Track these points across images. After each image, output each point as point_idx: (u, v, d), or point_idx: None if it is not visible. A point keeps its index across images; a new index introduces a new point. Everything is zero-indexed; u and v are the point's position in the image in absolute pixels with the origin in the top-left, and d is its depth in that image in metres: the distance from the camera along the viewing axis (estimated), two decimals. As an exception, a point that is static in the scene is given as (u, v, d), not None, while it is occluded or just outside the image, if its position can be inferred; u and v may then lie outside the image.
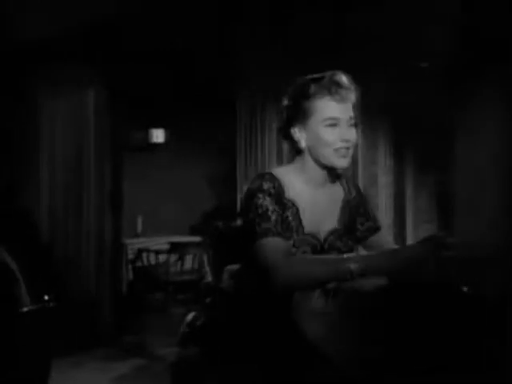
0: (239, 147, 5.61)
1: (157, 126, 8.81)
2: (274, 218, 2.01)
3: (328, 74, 2.12)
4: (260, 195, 2.05)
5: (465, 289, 1.80)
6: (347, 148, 2.10)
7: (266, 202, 2.03)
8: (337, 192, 2.27)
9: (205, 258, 7.74)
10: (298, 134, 2.16)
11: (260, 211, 2.02)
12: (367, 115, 4.56)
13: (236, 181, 6.03)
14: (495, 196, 3.83)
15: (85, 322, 6.25)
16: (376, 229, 2.34)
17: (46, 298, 4.45)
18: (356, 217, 2.31)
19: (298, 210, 2.13)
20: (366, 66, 4.52)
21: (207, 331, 2.24)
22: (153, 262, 7.65)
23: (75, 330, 6.26)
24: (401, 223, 4.42)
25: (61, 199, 6.41)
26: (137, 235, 8.34)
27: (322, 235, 2.16)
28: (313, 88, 2.10)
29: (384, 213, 4.50)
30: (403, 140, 4.44)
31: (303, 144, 2.15)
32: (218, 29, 5.54)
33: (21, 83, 6.10)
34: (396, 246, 2.32)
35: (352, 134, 2.11)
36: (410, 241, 4.30)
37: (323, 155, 2.12)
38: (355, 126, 2.13)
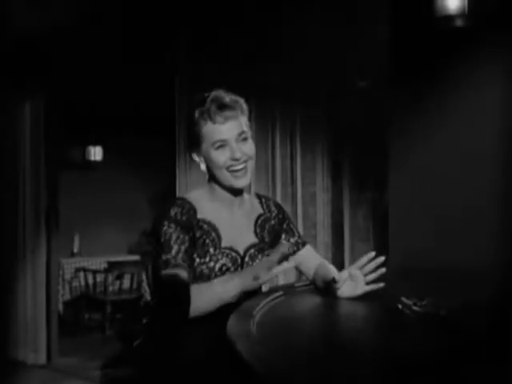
0: (179, 165, 5.59)
1: (94, 144, 8.71)
2: (175, 247, 2.03)
3: (210, 95, 2.15)
4: (165, 222, 2.07)
5: (399, 306, 1.83)
6: (243, 164, 2.13)
7: (171, 230, 2.05)
8: (253, 209, 2.32)
9: (143, 277, 7.68)
10: (197, 158, 2.22)
11: (163, 240, 2.05)
12: (305, 135, 4.60)
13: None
14: (430, 216, 3.90)
15: (20, 343, 6.12)
16: (303, 243, 2.41)
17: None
18: (281, 233, 2.37)
19: (213, 227, 2.14)
20: (304, 86, 4.57)
21: (144, 351, 2.22)
22: (90, 281, 7.55)
23: (9, 352, 6.14)
24: (339, 242, 4.46)
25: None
26: (74, 254, 8.21)
27: (242, 249, 2.19)
28: (196, 114, 2.13)
29: (322, 231, 4.53)
30: (341, 159, 4.49)
31: (203, 167, 2.21)
32: (157, 46, 5.52)
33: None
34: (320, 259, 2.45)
35: (244, 149, 2.13)
36: (347, 260, 4.34)
37: (220, 177, 2.15)
38: (246, 139, 2.15)
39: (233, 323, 1.67)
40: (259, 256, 2.20)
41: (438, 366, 1.32)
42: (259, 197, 2.41)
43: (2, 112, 6.25)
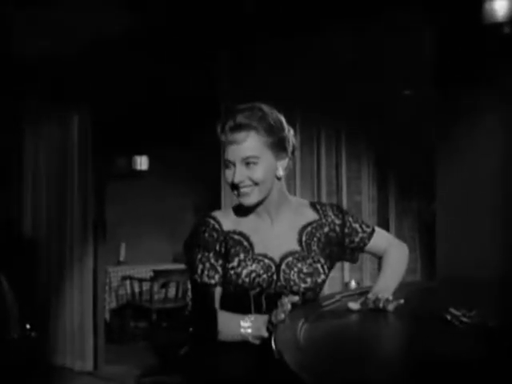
0: (223, 174, 5.62)
1: (140, 153, 8.79)
2: (200, 266, 2.16)
3: (232, 112, 2.16)
4: (191, 245, 2.21)
5: (448, 317, 1.80)
6: (247, 187, 2.13)
7: (195, 250, 2.18)
8: (301, 216, 2.28)
9: (189, 286, 7.69)
10: None
11: (190, 261, 2.19)
12: (351, 144, 4.58)
13: (221, 208, 6.01)
14: (478, 223, 3.85)
15: (67, 350, 6.19)
16: (370, 234, 2.34)
17: (28, 326, 4.42)
18: (343, 238, 2.30)
19: (244, 236, 2.19)
20: (349, 95, 4.55)
21: (191, 360, 2.23)
22: (136, 289, 7.61)
23: (57, 359, 6.21)
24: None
25: (44, 226, 6.38)
26: (120, 263, 8.28)
27: (278, 256, 2.17)
28: (218, 130, 2.17)
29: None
30: (387, 169, 4.46)
31: None
32: (201, 58, 5.56)
33: (5, 108, 6.10)
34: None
35: (249, 173, 2.12)
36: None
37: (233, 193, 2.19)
38: (254, 164, 2.12)
39: (280, 333, 1.67)
40: (298, 264, 2.16)
41: (486, 376, 1.31)
42: (313, 204, 2.35)
43: (51, 124, 6.36)
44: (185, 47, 5.40)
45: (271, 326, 1.94)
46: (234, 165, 2.12)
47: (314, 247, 2.23)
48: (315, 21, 4.62)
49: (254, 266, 2.12)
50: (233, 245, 2.16)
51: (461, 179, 3.95)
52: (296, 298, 2.02)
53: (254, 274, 2.12)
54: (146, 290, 7.51)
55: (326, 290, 4.32)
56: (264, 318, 2.02)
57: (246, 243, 2.17)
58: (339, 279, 4.53)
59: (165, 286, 7.59)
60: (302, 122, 4.77)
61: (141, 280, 7.61)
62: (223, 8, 4.80)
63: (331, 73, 4.66)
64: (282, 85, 4.82)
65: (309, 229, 2.25)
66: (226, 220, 2.21)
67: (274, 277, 2.14)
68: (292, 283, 2.14)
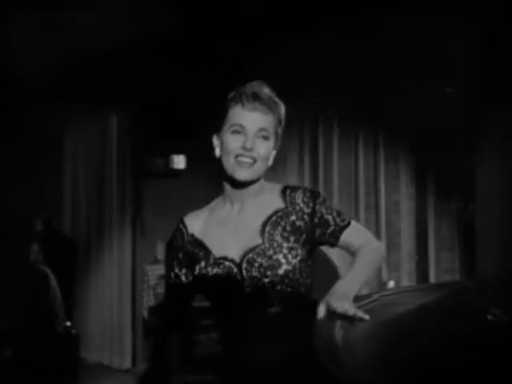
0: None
1: (178, 152, 8.82)
2: (177, 270, 2.20)
3: (250, 83, 2.13)
4: (167, 251, 2.28)
5: (488, 316, 1.79)
6: (251, 159, 2.09)
7: (170, 255, 2.24)
8: (269, 204, 2.16)
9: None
10: (216, 141, 2.21)
11: (166, 267, 2.25)
12: (389, 143, 4.56)
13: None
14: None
15: (105, 347, 6.25)
16: (342, 228, 2.16)
17: (68, 324, 4.48)
18: (313, 228, 2.13)
19: (207, 238, 2.15)
20: (389, 92, 4.53)
21: (229, 358, 2.23)
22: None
23: (95, 356, 6.27)
24: (423, 250, 4.39)
25: (83, 225, 6.46)
26: (157, 261, 8.32)
27: (238, 255, 2.08)
28: (231, 94, 2.13)
29: (406, 240, 4.48)
30: (425, 168, 4.42)
31: (217, 152, 2.20)
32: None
33: (45, 108, 6.17)
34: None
35: (258, 146, 2.09)
36: (432, 268, 4.27)
37: (226, 165, 2.13)
38: (266, 139, 2.10)
39: (317, 329, 1.67)
40: (259, 259, 2.04)
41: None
42: (285, 189, 2.20)
43: (90, 124, 6.43)
44: (219, 47, 5.42)
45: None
46: (246, 133, 2.08)
47: (277, 237, 2.08)
48: (358, 22, 4.61)
49: (215, 271, 2.08)
50: (194, 250, 2.16)
51: (500, 179, 3.91)
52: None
53: (217, 281, 2.08)
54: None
55: (364, 289, 4.31)
56: None
57: (207, 247, 2.13)
58: (377, 278, 4.51)
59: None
60: (339, 122, 4.76)
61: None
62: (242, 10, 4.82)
63: (369, 73, 4.64)
64: (320, 84, 4.81)
65: (273, 219, 2.12)
66: (196, 221, 2.22)
67: (238, 277, 2.05)
68: (255, 280, 2.03)
